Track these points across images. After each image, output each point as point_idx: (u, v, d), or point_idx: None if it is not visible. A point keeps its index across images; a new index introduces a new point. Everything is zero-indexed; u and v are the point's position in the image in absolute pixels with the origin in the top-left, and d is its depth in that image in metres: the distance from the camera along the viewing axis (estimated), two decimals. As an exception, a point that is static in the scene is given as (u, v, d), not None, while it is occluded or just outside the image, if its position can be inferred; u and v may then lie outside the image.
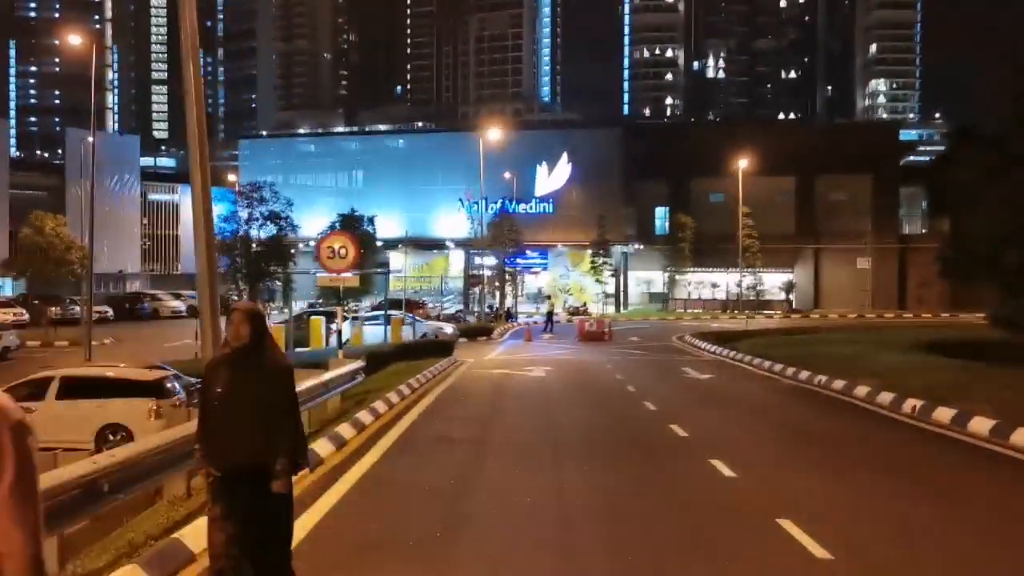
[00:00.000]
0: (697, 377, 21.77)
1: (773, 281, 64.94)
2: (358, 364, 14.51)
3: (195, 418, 6.85)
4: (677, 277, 65.80)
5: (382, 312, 32.41)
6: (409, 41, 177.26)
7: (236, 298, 36.04)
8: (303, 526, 6.93)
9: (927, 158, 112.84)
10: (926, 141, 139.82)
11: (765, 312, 59.29)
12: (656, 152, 67.50)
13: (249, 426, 4.77)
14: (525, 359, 27.40)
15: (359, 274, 32.69)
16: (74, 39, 48.87)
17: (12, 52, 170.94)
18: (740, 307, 56.50)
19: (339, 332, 16.71)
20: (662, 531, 7.25)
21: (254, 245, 31.63)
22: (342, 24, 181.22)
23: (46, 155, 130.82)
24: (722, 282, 65.17)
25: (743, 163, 55.56)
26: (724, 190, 61.77)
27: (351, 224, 38.17)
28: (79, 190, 49.23)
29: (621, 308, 65.39)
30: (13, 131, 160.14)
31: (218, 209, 42.63)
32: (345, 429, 11.35)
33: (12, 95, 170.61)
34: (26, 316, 44.68)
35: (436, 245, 69.04)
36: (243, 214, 30.95)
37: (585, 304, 62.59)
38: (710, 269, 64.77)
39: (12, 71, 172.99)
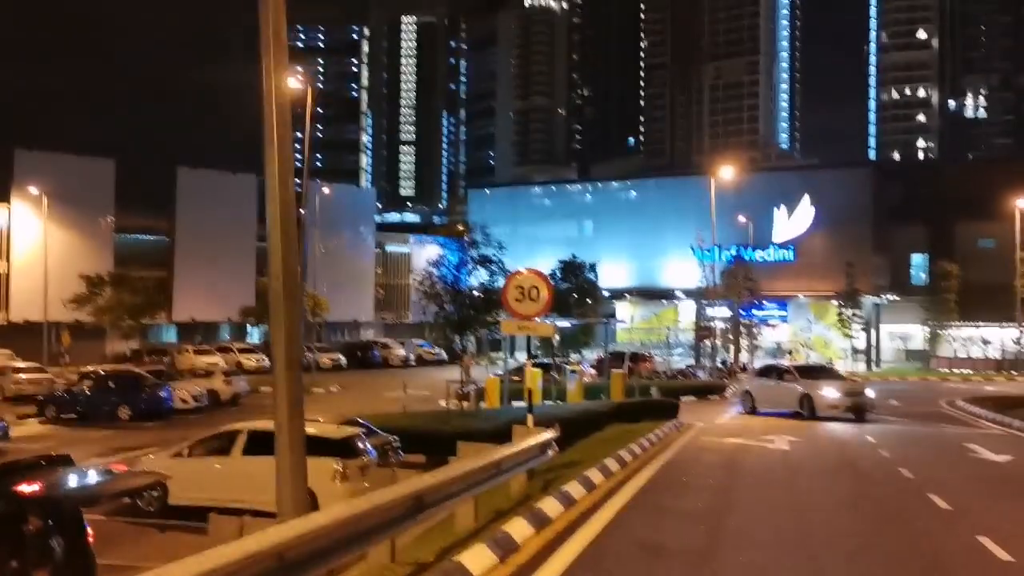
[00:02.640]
0: (991, 458, 16.95)
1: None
2: (549, 435, 11.70)
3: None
4: (939, 332, 58.35)
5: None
6: (642, 93, 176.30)
7: (464, 348, 34.67)
8: None
9: None
10: None
11: (1051, 374, 50.89)
12: (911, 195, 61.25)
13: None
14: (764, 425, 23.51)
15: (576, 324, 30.51)
16: (290, 83, 50.86)
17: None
18: (1020, 367, 49.19)
19: (529, 392, 13.98)
20: None
21: (471, 291, 30.13)
22: (576, 80, 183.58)
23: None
24: (996, 338, 56.96)
25: (1022, 203, 49.42)
26: (995, 235, 55.18)
27: (572, 271, 35.96)
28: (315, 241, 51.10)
29: (872, 366, 58.85)
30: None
31: (430, 252, 42.21)
32: (519, 527, 8.47)
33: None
34: (267, 362, 46.77)
35: (664, 295, 65.63)
36: (454, 259, 29.54)
37: (831, 361, 56.81)
38: (980, 323, 56.99)
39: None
